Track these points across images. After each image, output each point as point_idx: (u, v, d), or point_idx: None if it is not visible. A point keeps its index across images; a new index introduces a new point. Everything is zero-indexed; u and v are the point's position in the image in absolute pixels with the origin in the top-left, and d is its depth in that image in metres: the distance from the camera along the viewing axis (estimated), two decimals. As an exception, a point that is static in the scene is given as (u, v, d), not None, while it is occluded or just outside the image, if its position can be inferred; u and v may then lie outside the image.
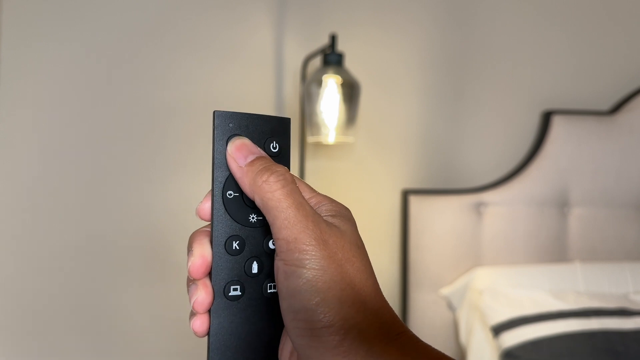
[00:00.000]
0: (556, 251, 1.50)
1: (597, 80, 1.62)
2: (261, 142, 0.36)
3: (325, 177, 1.51)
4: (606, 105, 1.61)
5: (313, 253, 0.32)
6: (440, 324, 1.48)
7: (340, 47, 1.36)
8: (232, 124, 0.35)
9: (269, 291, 0.36)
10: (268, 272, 0.36)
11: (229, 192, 0.35)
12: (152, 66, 1.43)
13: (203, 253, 0.35)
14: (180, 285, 1.46)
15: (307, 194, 0.37)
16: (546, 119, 1.55)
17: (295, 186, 0.34)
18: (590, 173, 1.52)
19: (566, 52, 1.61)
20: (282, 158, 0.37)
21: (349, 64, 1.36)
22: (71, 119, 1.40)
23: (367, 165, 1.53)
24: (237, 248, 0.36)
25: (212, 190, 0.36)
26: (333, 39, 1.26)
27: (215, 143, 0.35)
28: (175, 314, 1.46)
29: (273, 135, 0.37)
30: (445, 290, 1.46)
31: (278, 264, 0.33)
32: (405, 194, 1.50)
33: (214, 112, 0.35)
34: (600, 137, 1.53)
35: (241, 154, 0.35)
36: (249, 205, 0.36)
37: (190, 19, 1.44)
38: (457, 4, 1.56)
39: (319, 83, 1.26)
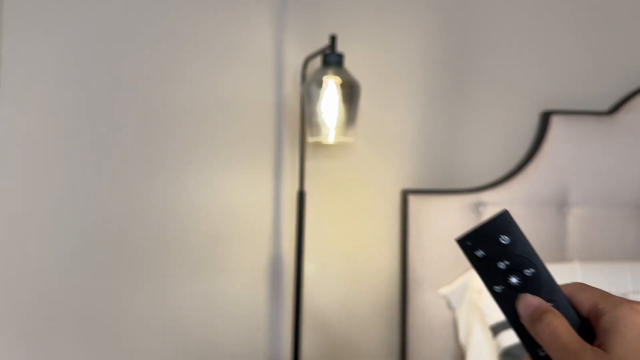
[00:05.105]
0: (555, 251, 1.50)
1: (596, 81, 1.62)
2: (494, 242, 0.41)
3: (325, 177, 1.52)
4: (605, 106, 1.62)
5: None
6: (439, 324, 1.49)
7: (340, 47, 1.36)
8: (470, 242, 0.41)
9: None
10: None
11: (516, 323, 0.40)
12: (153, 66, 1.44)
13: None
14: (182, 285, 1.47)
15: (587, 303, 0.40)
16: (545, 119, 1.55)
17: (564, 329, 0.37)
18: (590, 173, 1.53)
19: (565, 52, 1.61)
20: (516, 244, 0.41)
21: (348, 64, 1.37)
22: (72, 119, 1.41)
23: (367, 165, 1.54)
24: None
25: (501, 310, 0.41)
26: (333, 39, 1.27)
27: (472, 264, 0.41)
28: (177, 313, 1.47)
29: (500, 231, 0.41)
30: (444, 290, 1.47)
31: None
32: (405, 194, 1.51)
33: (456, 240, 0.41)
34: (600, 137, 1.53)
35: (524, 311, 0.39)
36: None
37: (191, 19, 1.45)
38: (457, 5, 1.57)
39: (319, 83, 1.26)
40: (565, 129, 1.53)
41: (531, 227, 1.50)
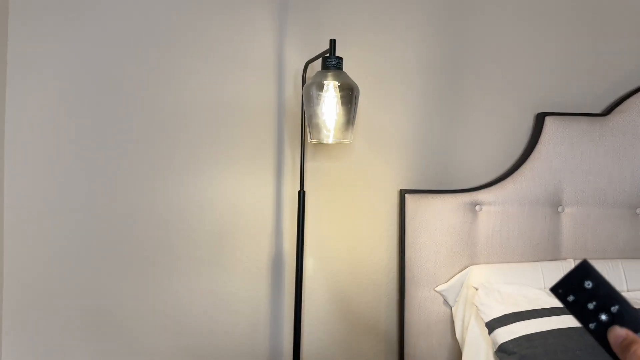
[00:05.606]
0: (549, 249, 1.53)
1: (590, 84, 1.65)
2: (580, 288, 0.49)
3: (325, 177, 1.54)
4: (599, 109, 1.64)
5: None
6: (436, 320, 1.51)
7: (340, 51, 1.38)
8: (561, 290, 0.49)
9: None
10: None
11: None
12: (158, 70, 1.45)
13: None
14: (185, 281, 1.49)
15: None
16: (539, 120, 1.57)
17: None
18: (583, 173, 1.55)
19: (560, 56, 1.64)
20: (599, 287, 0.48)
21: (347, 67, 1.39)
22: (78, 121, 1.42)
23: (366, 165, 1.56)
24: None
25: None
26: (332, 43, 1.29)
27: (567, 309, 0.49)
28: (181, 308, 1.48)
29: (583, 278, 0.49)
30: (441, 287, 1.49)
31: None
32: (403, 194, 1.53)
33: (549, 290, 0.50)
34: (593, 137, 1.55)
35: (614, 341, 0.46)
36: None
37: (194, 23, 1.47)
38: (454, 10, 1.59)
39: (319, 86, 1.28)
40: (559, 130, 1.55)
41: (526, 226, 1.52)
